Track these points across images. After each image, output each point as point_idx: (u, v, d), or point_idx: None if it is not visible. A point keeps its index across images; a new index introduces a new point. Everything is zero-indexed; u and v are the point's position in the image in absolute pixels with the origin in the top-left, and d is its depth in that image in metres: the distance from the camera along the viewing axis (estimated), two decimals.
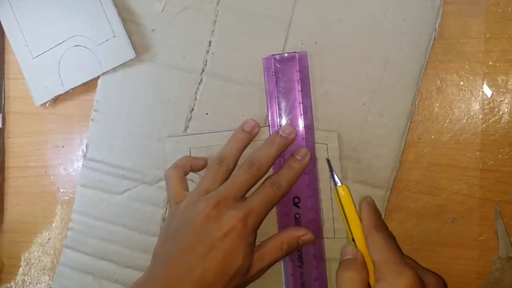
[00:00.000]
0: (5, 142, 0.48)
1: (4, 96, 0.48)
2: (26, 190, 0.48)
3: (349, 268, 0.35)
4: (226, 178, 0.40)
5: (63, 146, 0.47)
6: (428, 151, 0.43)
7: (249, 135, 0.42)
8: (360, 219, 0.37)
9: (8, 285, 0.48)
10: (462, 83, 0.43)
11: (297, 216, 0.42)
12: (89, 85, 0.45)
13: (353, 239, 0.37)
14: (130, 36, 0.44)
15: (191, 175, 0.43)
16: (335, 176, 0.39)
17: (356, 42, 0.42)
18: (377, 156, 0.42)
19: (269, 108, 0.42)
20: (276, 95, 0.42)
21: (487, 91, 0.42)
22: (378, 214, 0.38)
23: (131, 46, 0.43)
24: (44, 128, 0.48)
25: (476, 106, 0.43)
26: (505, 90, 0.42)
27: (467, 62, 0.42)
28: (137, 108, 0.45)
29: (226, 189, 0.38)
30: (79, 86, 0.45)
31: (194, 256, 0.36)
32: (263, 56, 0.42)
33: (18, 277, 0.48)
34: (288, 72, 0.42)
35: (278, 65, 0.42)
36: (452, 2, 0.42)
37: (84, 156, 0.45)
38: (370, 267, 0.36)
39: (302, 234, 0.40)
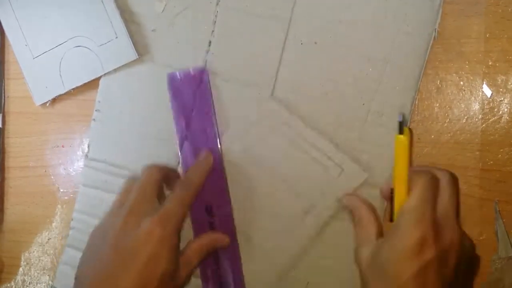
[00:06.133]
0: (5, 142, 0.48)
1: (4, 96, 0.48)
2: (26, 190, 0.48)
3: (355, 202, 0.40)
4: None
5: (63, 146, 0.47)
6: (428, 151, 0.43)
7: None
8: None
9: (8, 285, 0.48)
10: (462, 83, 0.43)
11: (211, 223, 0.43)
12: (89, 85, 0.45)
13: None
14: (131, 37, 0.44)
15: None
16: (400, 122, 0.39)
17: (356, 42, 0.42)
18: (377, 156, 0.42)
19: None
20: (180, 112, 0.43)
21: (487, 91, 0.42)
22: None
23: (133, 47, 0.44)
24: (44, 128, 0.48)
25: (476, 106, 0.43)
26: (504, 90, 0.42)
27: (467, 62, 0.42)
28: (139, 108, 0.45)
29: (135, 195, 0.38)
30: (79, 86, 0.45)
31: (116, 269, 0.35)
32: (168, 73, 0.43)
33: (18, 277, 0.48)
34: (192, 88, 0.43)
35: (182, 82, 0.43)
36: (452, 2, 0.42)
37: (86, 156, 0.45)
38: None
39: (219, 238, 0.41)
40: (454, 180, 0.38)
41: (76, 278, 0.38)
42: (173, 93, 0.43)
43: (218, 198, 0.43)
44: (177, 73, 0.43)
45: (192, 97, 0.43)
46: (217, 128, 0.43)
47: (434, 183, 0.37)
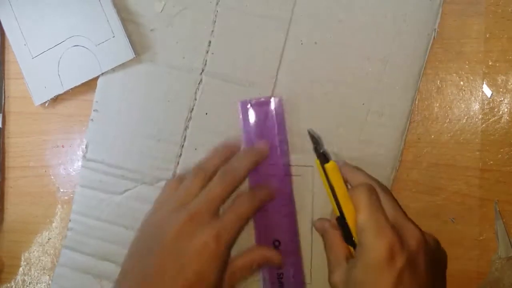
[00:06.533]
0: (5, 142, 0.48)
1: (4, 96, 0.48)
2: (26, 190, 0.48)
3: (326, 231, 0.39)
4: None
5: (63, 146, 0.47)
6: (428, 151, 0.43)
7: (229, 152, 0.42)
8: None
9: (8, 285, 0.48)
10: (462, 83, 0.43)
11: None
12: (89, 85, 0.45)
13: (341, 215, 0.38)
14: (129, 36, 0.44)
15: None
16: (321, 152, 0.39)
17: (356, 42, 0.42)
18: (377, 156, 0.42)
19: None
20: (253, 139, 0.42)
21: (487, 91, 0.42)
22: (358, 170, 0.40)
23: (130, 46, 0.43)
24: (44, 128, 0.48)
25: (476, 106, 0.43)
26: (505, 90, 0.42)
27: (467, 62, 0.42)
28: (137, 108, 0.45)
29: (200, 203, 0.37)
30: (79, 86, 0.45)
31: (164, 277, 0.35)
32: (239, 101, 0.43)
33: (18, 277, 0.48)
34: (264, 117, 0.42)
35: (254, 110, 0.42)
36: (452, 2, 0.42)
37: (84, 156, 0.45)
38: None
39: (271, 255, 0.40)
40: (381, 184, 0.39)
41: (125, 269, 0.38)
42: (244, 119, 0.43)
43: (287, 233, 0.42)
44: (248, 100, 0.42)
45: (260, 126, 0.42)
46: (286, 160, 0.42)
47: (374, 191, 0.37)
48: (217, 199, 0.38)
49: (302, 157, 0.43)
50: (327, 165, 0.38)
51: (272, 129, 0.42)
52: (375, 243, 0.34)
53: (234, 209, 0.38)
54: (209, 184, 0.39)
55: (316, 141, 0.40)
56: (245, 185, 0.42)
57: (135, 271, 0.37)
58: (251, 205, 0.39)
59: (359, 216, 0.36)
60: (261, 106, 0.42)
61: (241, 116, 0.43)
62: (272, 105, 0.42)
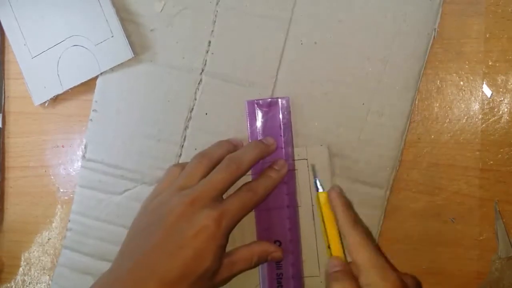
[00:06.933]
0: (5, 142, 0.48)
1: (4, 96, 0.48)
2: (26, 190, 0.48)
3: (341, 281, 0.35)
4: (205, 176, 0.39)
5: (63, 146, 0.47)
6: (428, 151, 0.43)
7: (233, 147, 0.42)
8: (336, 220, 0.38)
9: (8, 285, 0.48)
10: (461, 83, 0.43)
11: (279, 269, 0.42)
12: (89, 85, 0.45)
13: (328, 247, 0.38)
14: (129, 36, 0.44)
15: None
16: (318, 183, 0.40)
17: (356, 42, 0.42)
18: (377, 156, 0.42)
19: None
20: (258, 139, 0.42)
21: (487, 91, 0.42)
22: (350, 208, 0.38)
23: (129, 46, 0.43)
24: (44, 128, 0.48)
25: (475, 106, 0.43)
26: (504, 90, 0.42)
27: (467, 62, 0.42)
28: (137, 108, 0.45)
29: (203, 187, 0.37)
30: (79, 86, 0.45)
31: (162, 254, 0.35)
32: (246, 100, 0.42)
33: (18, 277, 0.48)
34: (270, 117, 0.42)
35: (261, 110, 0.42)
36: (452, 2, 0.42)
37: (83, 156, 0.45)
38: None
39: (272, 250, 0.40)
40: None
41: (121, 251, 0.38)
42: (250, 119, 0.43)
43: (288, 234, 0.42)
44: (255, 100, 0.42)
45: (266, 126, 0.42)
46: (291, 163, 0.42)
47: (370, 236, 0.37)
48: (220, 185, 0.38)
49: (297, 151, 0.43)
50: (321, 193, 0.39)
51: (278, 130, 0.42)
52: (381, 285, 0.34)
53: (239, 196, 0.38)
54: (213, 171, 0.39)
55: (315, 173, 0.41)
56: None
57: (132, 249, 0.37)
58: (256, 194, 0.39)
59: (359, 254, 0.35)
60: (269, 106, 0.42)
61: (247, 116, 0.43)
62: (280, 106, 0.42)
